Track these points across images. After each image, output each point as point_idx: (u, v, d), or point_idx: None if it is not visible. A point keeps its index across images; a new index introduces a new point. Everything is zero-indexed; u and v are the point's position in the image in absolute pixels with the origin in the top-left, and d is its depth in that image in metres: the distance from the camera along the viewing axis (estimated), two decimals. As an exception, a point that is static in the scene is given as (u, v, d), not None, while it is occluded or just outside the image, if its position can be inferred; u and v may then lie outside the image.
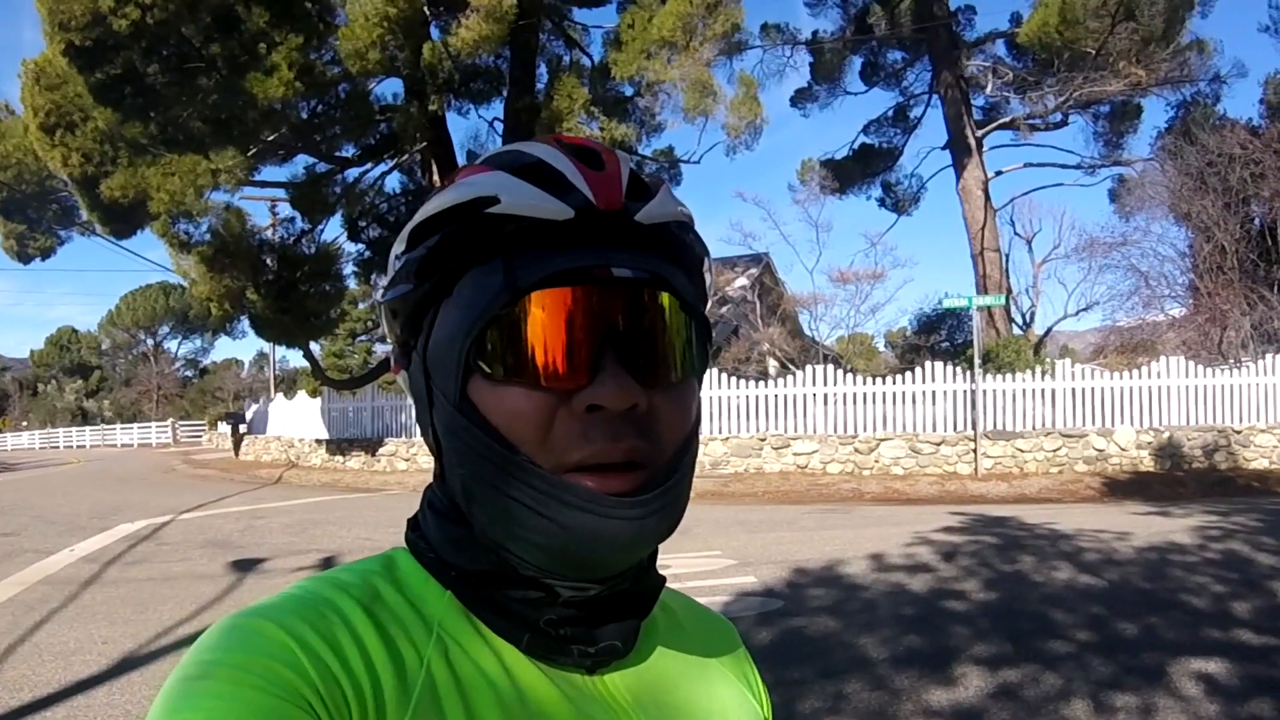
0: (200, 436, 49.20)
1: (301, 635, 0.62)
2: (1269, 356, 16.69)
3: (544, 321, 0.66)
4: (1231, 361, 18.62)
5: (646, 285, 0.69)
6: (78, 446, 55.37)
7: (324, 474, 22.41)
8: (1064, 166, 28.80)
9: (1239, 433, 15.91)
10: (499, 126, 22.05)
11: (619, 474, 0.67)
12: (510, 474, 0.67)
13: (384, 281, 0.79)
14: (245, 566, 9.33)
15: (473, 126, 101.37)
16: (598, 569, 0.70)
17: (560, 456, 0.67)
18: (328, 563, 9.50)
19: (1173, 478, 15.17)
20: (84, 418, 67.94)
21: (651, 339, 0.69)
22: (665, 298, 0.70)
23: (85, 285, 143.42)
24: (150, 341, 71.97)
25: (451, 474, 0.73)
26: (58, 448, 55.90)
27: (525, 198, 0.68)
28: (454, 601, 0.73)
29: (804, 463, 17.39)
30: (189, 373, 73.64)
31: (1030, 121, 26.73)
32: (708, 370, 0.73)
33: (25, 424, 68.15)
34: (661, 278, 0.70)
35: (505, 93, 21.23)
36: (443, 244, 0.71)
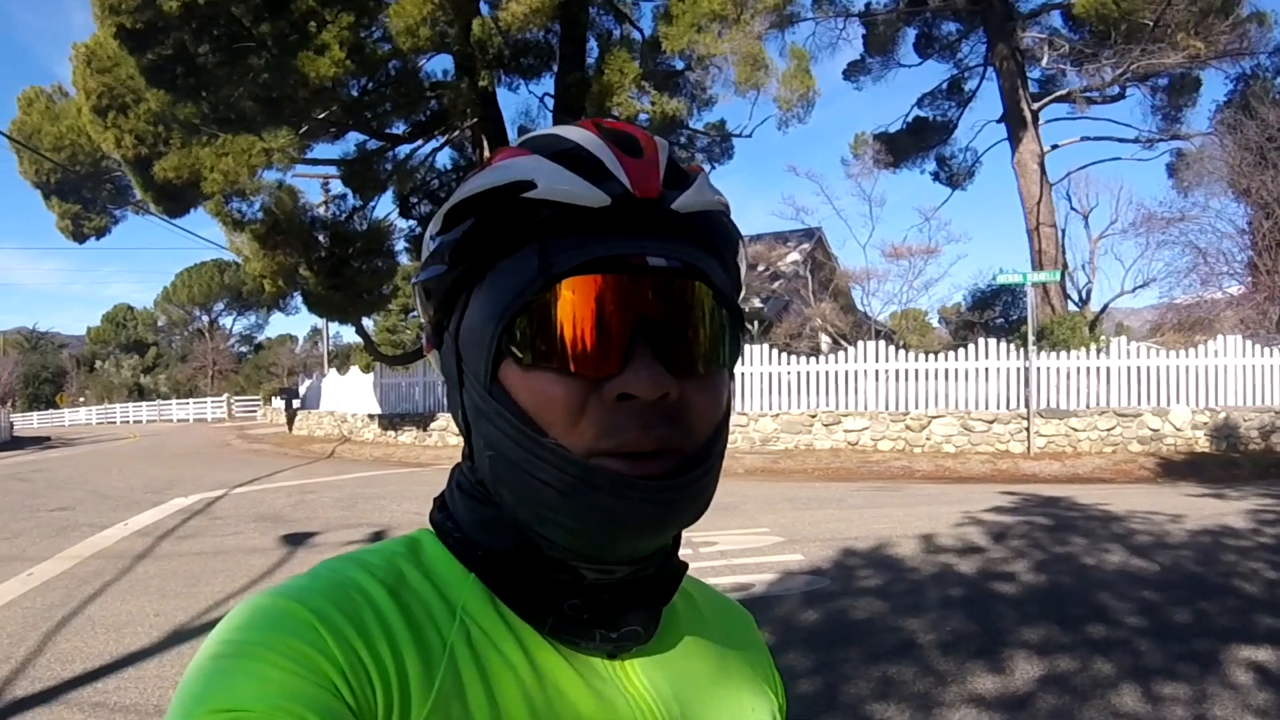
0: (255, 412, 49.83)
1: (327, 616, 0.63)
2: (1329, 336, 16.35)
3: (577, 308, 0.66)
4: (1290, 341, 18.26)
5: (681, 275, 0.69)
6: (134, 422, 56.42)
7: (376, 449, 22.61)
8: (1121, 140, 28.39)
9: (1297, 414, 15.61)
10: (549, 102, 22.08)
11: (649, 459, 0.67)
12: (538, 457, 0.67)
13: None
14: (296, 540, 9.45)
15: (523, 102, 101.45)
16: (624, 551, 0.71)
17: (591, 443, 0.67)
18: (378, 536, 9.56)
19: (1228, 459, 14.92)
20: (140, 393, 69.04)
21: (684, 329, 0.69)
22: (699, 288, 0.70)
23: (140, 263, 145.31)
24: (205, 318, 73.00)
25: (480, 456, 0.73)
26: (114, 423, 56.88)
27: (561, 183, 0.68)
28: (477, 584, 0.73)
29: (855, 440, 17.29)
30: (244, 349, 74.64)
31: (1087, 94, 26.31)
32: (740, 359, 0.76)
33: (83, 400, 69.39)
34: (696, 267, 0.70)
35: (555, 68, 21.24)
36: (478, 227, 0.71)
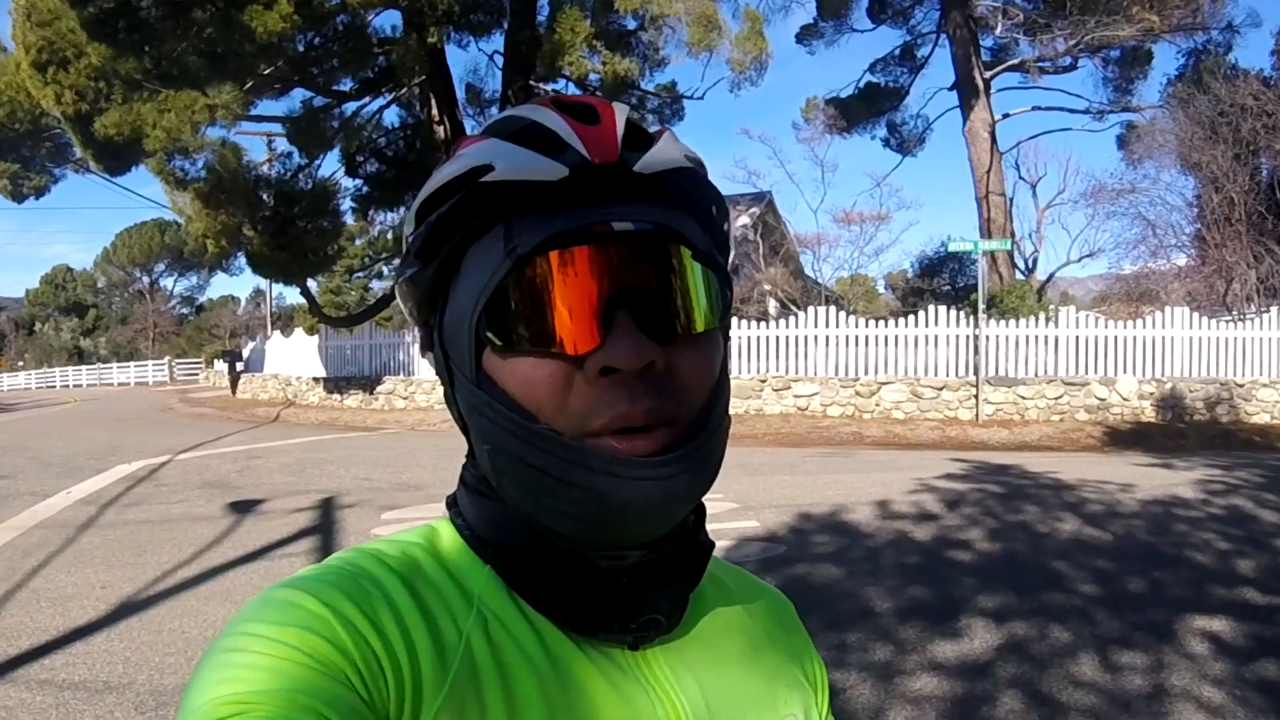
0: (197, 375, 49.22)
1: (339, 608, 0.62)
2: (1274, 310, 16.69)
3: (547, 285, 0.65)
4: (1236, 314, 18.56)
5: (652, 236, 0.67)
6: (74, 386, 55.53)
7: (321, 412, 22.39)
8: (1072, 111, 28.72)
9: (1241, 386, 15.89)
10: (499, 59, 21.79)
11: (644, 435, 0.65)
12: (532, 445, 0.65)
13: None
14: (244, 508, 9.28)
15: (472, 59, 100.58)
16: (632, 534, 0.69)
17: (581, 423, 0.65)
18: (327, 503, 9.48)
19: (1174, 429, 15.15)
20: (80, 357, 68.11)
21: (662, 293, 0.66)
22: (674, 248, 0.68)
23: (80, 223, 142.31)
24: (146, 279, 71.94)
25: (479, 451, 0.72)
26: (54, 387, 56.03)
27: (518, 161, 0.66)
28: (494, 576, 0.72)
29: (804, 405, 17.36)
30: (185, 310, 73.77)
31: (1040, 64, 26.52)
32: (730, 318, 0.73)
33: (21, 364, 68.40)
34: (669, 227, 0.68)
35: (506, 25, 20.94)
36: (442, 220, 0.70)
